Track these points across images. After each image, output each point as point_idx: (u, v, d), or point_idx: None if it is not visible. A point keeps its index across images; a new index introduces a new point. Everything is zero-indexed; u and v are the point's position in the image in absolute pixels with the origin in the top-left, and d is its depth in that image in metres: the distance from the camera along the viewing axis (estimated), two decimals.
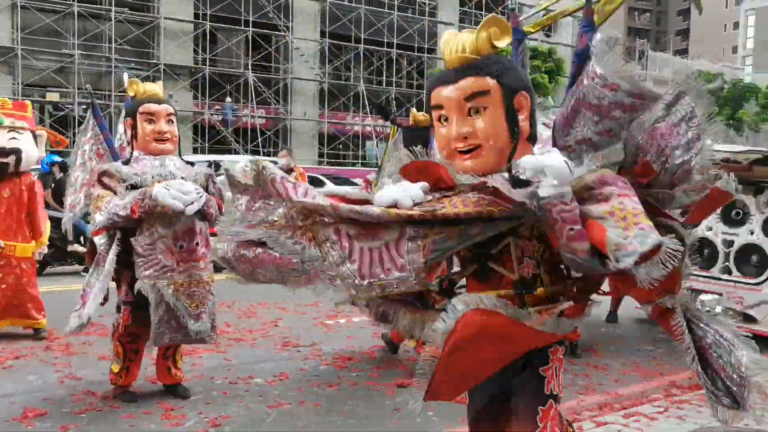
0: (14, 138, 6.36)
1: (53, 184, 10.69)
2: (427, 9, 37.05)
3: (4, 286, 6.46)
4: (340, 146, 35.11)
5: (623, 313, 8.41)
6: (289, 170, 10.67)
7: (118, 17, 28.86)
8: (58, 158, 11.35)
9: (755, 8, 77.17)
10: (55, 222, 10.23)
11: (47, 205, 10.14)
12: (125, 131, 4.95)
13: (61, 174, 10.80)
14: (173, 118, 4.88)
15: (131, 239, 4.59)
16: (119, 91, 28.85)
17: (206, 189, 4.87)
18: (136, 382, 5.32)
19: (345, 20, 34.11)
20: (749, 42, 77.21)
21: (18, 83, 27.18)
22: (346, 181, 24.26)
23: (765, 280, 7.27)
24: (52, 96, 28.60)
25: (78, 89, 27.74)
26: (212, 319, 4.93)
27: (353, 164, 34.81)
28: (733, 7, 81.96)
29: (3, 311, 6.50)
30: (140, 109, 4.74)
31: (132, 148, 4.85)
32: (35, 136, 6.68)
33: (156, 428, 4.48)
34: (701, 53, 65.39)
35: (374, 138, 36.47)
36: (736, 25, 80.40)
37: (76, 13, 27.79)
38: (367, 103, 35.26)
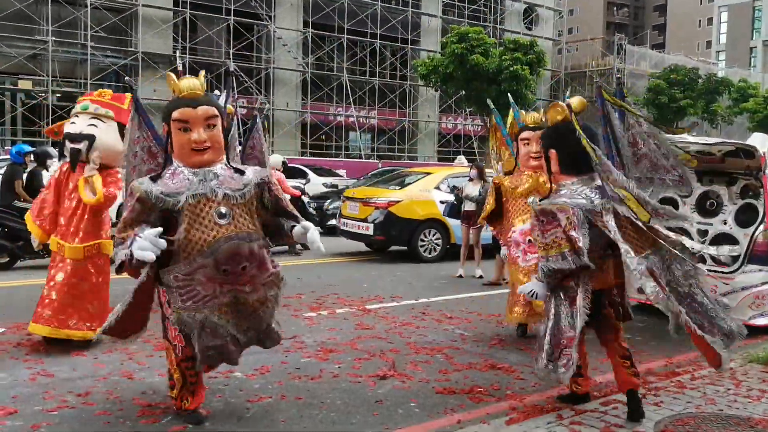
0: (93, 125, 5.87)
1: (26, 175, 10.38)
2: (410, 0, 36.88)
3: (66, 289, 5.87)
4: (323, 137, 34.91)
5: None
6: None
7: (95, 3, 28.35)
8: (29, 147, 11.04)
9: (728, 5, 77.99)
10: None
11: (18, 197, 9.91)
12: (163, 137, 4.37)
13: (35, 164, 10.51)
14: (215, 120, 4.14)
15: (161, 272, 4.06)
16: (95, 79, 28.45)
17: (261, 196, 4.30)
18: (110, 377, 5.17)
19: (328, 10, 33.87)
20: (722, 38, 78.04)
21: None
22: (329, 172, 24.12)
23: (738, 269, 7.34)
24: (25, 84, 28.06)
25: (51, 77, 27.29)
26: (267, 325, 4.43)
27: (336, 155, 34.66)
28: (707, 3, 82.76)
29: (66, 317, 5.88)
30: (173, 115, 4.08)
31: (165, 161, 4.27)
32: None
33: (132, 425, 4.32)
34: (677, 48, 65.94)
35: (357, 129, 36.30)
36: (710, 21, 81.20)
37: None
38: (350, 93, 35.07)
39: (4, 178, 10.31)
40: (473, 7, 39.94)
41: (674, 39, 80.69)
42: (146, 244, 3.80)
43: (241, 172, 4.28)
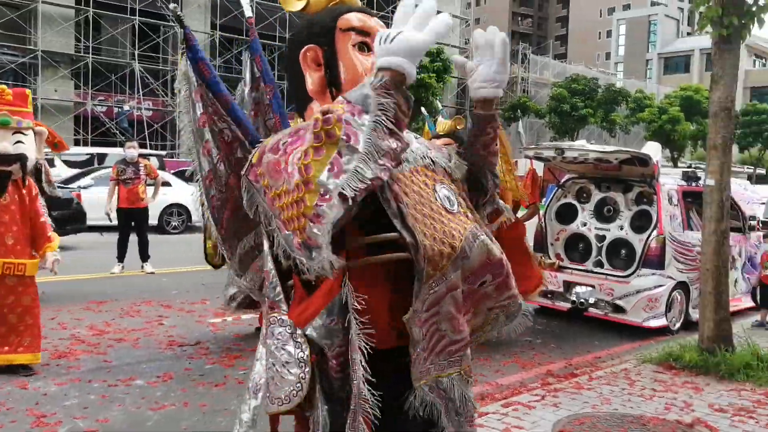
0: (20, 141, 5.21)
1: None
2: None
3: (5, 310, 5.25)
4: None
5: None
6: (136, 162, 10.25)
7: None
8: None
9: (626, 18, 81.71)
10: None
11: None
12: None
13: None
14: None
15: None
16: None
17: None
18: (3, 388, 4.96)
19: (236, 12, 33.46)
20: (621, 49, 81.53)
21: None
22: None
23: (633, 273, 7.68)
24: None
25: None
26: None
27: None
28: (606, 16, 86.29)
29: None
30: (350, 22, 2.20)
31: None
32: (35, 134, 5.51)
33: None
34: (579, 58, 68.38)
35: None
36: (609, 33, 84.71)
37: None
38: None
39: None
40: (381, 13, 40.33)
41: (576, 50, 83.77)
42: None
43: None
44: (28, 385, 5.06)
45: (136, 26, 31.01)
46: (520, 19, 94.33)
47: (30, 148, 5.32)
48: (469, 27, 49.92)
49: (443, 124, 6.72)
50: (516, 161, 12.14)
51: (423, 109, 8.01)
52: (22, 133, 5.24)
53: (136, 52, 31.09)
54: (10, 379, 5.16)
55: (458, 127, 6.72)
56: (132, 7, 30.38)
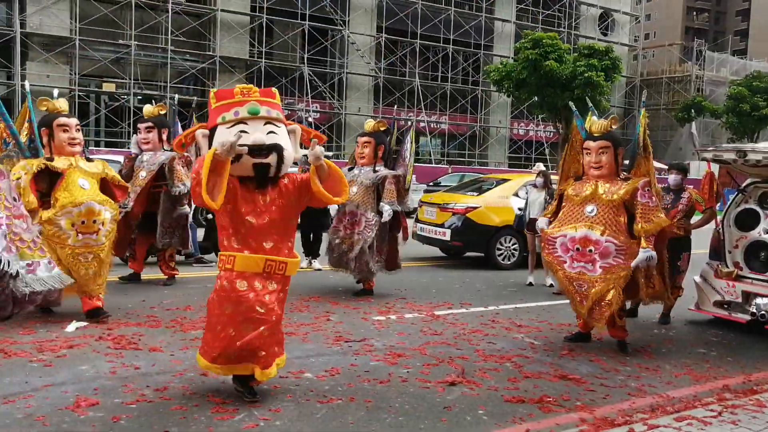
0: (272, 132, 4.70)
1: None
2: (484, 5, 36.73)
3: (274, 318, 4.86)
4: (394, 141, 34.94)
5: (676, 315, 8.19)
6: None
7: (175, 8, 29.25)
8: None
9: None
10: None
11: None
12: None
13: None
14: None
15: None
16: (175, 82, 29.24)
17: None
18: (186, 374, 5.32)
19: (401, 15, 34.04)
20: None
21: (75, 73, 27.76)
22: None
23: None
24: (109, 86, 29.18)
25: (134, 80, 28.20)
26: None
27: None
28: None
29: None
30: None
31: None
32: (288, 132, 4.97)
33: (206, 421, 4.43)
34: (761, 54, 63.76)
35: (428, 134, 36.32)
36: None
37: (133, 4, 28.22)
38: (421, 98, 35.13)
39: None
40: (548, 12, 39.53)
41: (758, 45, 78.00)
42: None
43: None
44: (208, 373, 5.40)
45: (306, 31, 32.24)
46: (695, 14, 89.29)
47: (284, 140, 4.80)
48: (640, 24, 48.00)
49: (597, 123, 6.53)
50: (688, 163, 11.58)
51: (571, 104, 7.77)
52: (274, 125, 4.76)
53: (306, 56, 32.32)
54: (194, 365, 5.54)
55: (613, 127, 6.52)
56: (302, 12, 31.62)
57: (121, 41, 28.62)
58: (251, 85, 4.86)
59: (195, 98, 30.43)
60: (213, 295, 4.74)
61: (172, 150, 8.60)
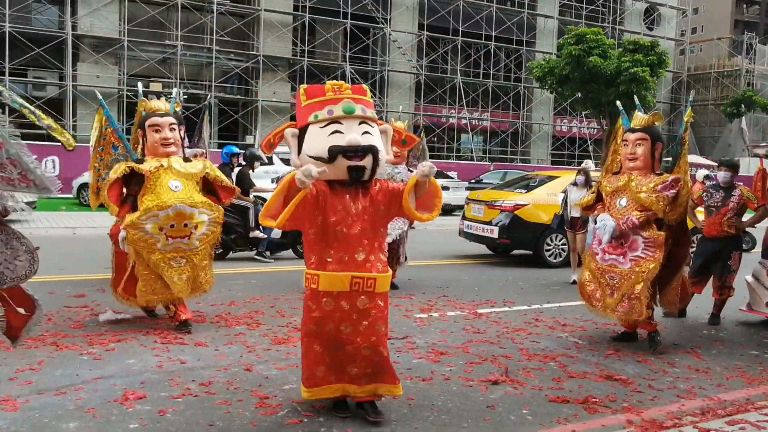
0: (367, 132, 4.35)
1: (234, 175, 11.06)
2: (526, 1, 36.42)
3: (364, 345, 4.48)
4: (435, 139, 34.93)
5: (726, 315, 8.03)
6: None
7: (220, 9, 29.59)
8: (237, 149, 11.64)
9: None
10: (240, 210, 11.02)
11: None
12: None
13: (240, 166, 11.37)
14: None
15: None
16: (219, 82, 29.58)
17: None
18: (230, 368, 5.37)
19: (443, 12, 33.92)
20: None
21: (123, 73, 28.24)
22: (440, 174, 24.15)
23: None
24: (156, 86, 29.63)
25: (179, 80, 28.58)
26: None
27: (447, 157, 34.61)
28: None
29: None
30: None
31: None
32: (380, 133, 4.58)
33: (250, 416, 4.47)
34: None
35: (470, 131, 36.14)
36: None
37: (179, 5, 28.60)
38: (463, 95, 35.00)
39: None
40: (591, 7, 39.03)
41: None
42: None
43: None
44: (252, 368, 5.45)
45: (348, 29, 32.34)
46: (745, 6, 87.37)
47: (378, 141, 4.46)
48: (687, 17, 47.12)
49: (640, 118, 6.45)
50: (738, 159, 11.33)
51: (618, 103, 7.66)
52: (368, 124, 4.42)
53: (347, 54, 32.43)
54: (238, 360, 5.59)
55: (656, 123, 6.44)
56: (344, 11, 31.73)
57: (167, 42, 29.04)
58: (342, 82, 4.53)
59: (240, 97, 30.64)
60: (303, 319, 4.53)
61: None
